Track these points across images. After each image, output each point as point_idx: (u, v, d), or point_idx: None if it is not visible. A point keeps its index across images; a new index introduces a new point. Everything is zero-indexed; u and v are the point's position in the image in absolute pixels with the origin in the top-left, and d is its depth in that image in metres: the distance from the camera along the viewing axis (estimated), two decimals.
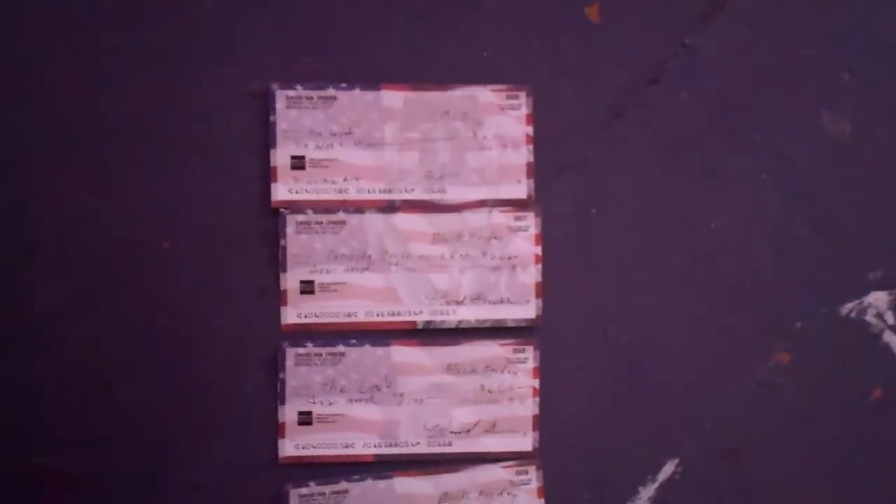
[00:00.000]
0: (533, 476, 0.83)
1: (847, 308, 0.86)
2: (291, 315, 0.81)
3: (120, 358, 0.80)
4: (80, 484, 0.80)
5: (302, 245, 0.81)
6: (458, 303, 0.82)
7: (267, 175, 0.81)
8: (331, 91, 0.82)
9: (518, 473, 0.83)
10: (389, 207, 0.82)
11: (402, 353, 0.82)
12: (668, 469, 0.84)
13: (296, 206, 0.81)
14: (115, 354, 0.80)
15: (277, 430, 0.82)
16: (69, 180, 0.80)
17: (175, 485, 0.81)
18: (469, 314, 0.83)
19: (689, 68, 0.85)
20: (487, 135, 0.82)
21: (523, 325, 0.83)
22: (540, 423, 0.84)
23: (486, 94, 0.82)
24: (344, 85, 0.82)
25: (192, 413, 0.81)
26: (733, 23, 0.85)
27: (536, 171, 0.83)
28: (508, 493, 0.83)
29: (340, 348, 0.81)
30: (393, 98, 0.82)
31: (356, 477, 0.82)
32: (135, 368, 0.80)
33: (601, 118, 0.84)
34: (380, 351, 0.82)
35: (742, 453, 0.85)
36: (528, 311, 0.83)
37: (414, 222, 0.82)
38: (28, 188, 0.80)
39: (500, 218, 0.82)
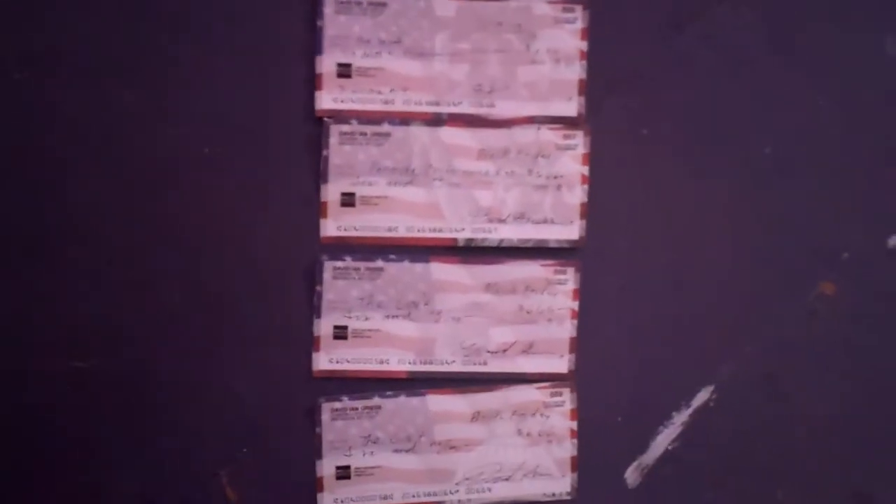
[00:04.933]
0: (567, 398, 0.83)
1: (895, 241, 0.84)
2: (331, 227, 0.79)
3: (157, 261, 0.79)
4: (118, 386, 0.79)
5: (345, 156, 0.79)
6: (501, 221, 0.81)
7: (312, 82, 0.78)
8: None
9: (552, 395, 0.83)
10: (436, 120, 0.79)
11: (442, 271, 0.81)
12: (703, 395, 0.83)
13: (340, 116, 0.79)
14: (152, 257, 0.79)
15: (312, 344, 0.79)
16: (110, 78, 0.77)
17: (210, 392, 0.80)
18: (511, 233, 0.81)
19: None
20: (540, 48, 0.80)
21: (566, 245, 0.82)
22: (577, 345, 0.82)
23: (541, 6, 0.80)
24: None
25: (228, 322, 0.80)
26: None
27: (588, 87, 0.80)
28: (542, 414, 0.83)
29: (379, 263, 0.80)
30: (445, 7, 0.79)
31: (389, 393, 0.81)
32: (172, 273, 0.79)
33: (659, 34, 0.81)
34: (419, 267, 0.80)
35: (780, 382, 0.84)
36: (571, 231, 0.81)
37: (460, 137, 0.80)
38: (69, 83, 0.77)
39: (549, 135, 0.80)
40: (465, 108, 0.80)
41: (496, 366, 0.82)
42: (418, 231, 0.81)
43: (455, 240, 0.81)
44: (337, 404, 0.81)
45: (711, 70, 0.82)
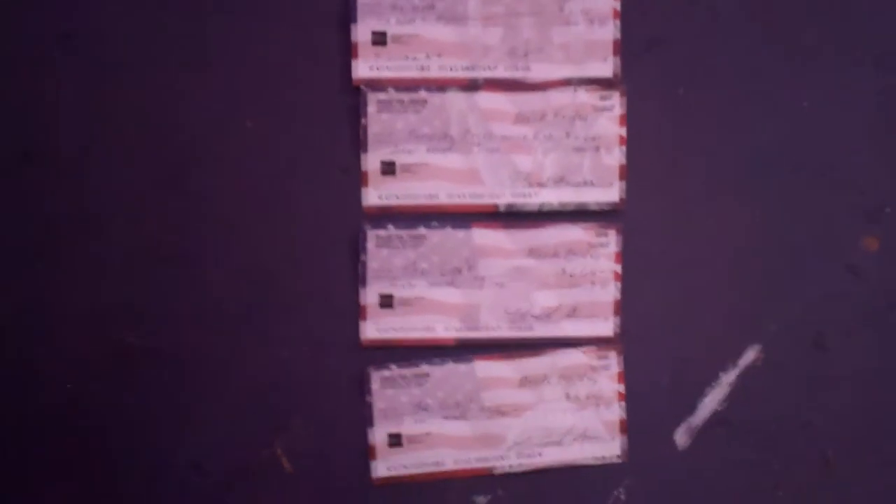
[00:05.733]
0: (613, 361, 0.83)
1: None
2: (372, 196, 0.80)
3: (203, 236, 0.80)
4: (170, 360, 0.79)
5: (383, 124, 0.79)
6: (541, 185, 0.81)
7: (347, 51, 0.78)
8: None
9: (598, 358, 0.82)
10: (472, 86, 0.80)
11: (484, 236, 0.81)
12: (751, 355, 0.82)
13: (377, 84, 0.79)
14: (198, 232, 0.80)
15: (359, 313, 0.80)
16: (152, 56, 0.78)
17: (259, 362, 0.80)
18: (551, 197, 0.81)
19: None
20: (574, 9, 0.80)
21: (606, 208, 0.82)
22: (621, 307, 0.82)
23: None
24: None
25: (274, 292, 0.81)
26: None
27: (623, 47, 0.80)
28: (588, 378, 0.82)
29: (422, 231, 0.80)
30: None
31: (437, 360, 0.81)
32: (218, 246, 0.79)
33: None
34: (461, 234, 0.80)
35: (827, 338, 0.83)
36: (611, 193, 0.81)
37: (496, 101, 0.80)
38: (110, 61, 0.78)
39: (585, 97, 0.80)
40: (501, 73, 0.80)
41: (542, 330, 0.82)
42: (459, 197, 0.81)
43: (496, 205, 0.81)
44: (386, 372, 0.81)
45: (746, 26, 0.82)
